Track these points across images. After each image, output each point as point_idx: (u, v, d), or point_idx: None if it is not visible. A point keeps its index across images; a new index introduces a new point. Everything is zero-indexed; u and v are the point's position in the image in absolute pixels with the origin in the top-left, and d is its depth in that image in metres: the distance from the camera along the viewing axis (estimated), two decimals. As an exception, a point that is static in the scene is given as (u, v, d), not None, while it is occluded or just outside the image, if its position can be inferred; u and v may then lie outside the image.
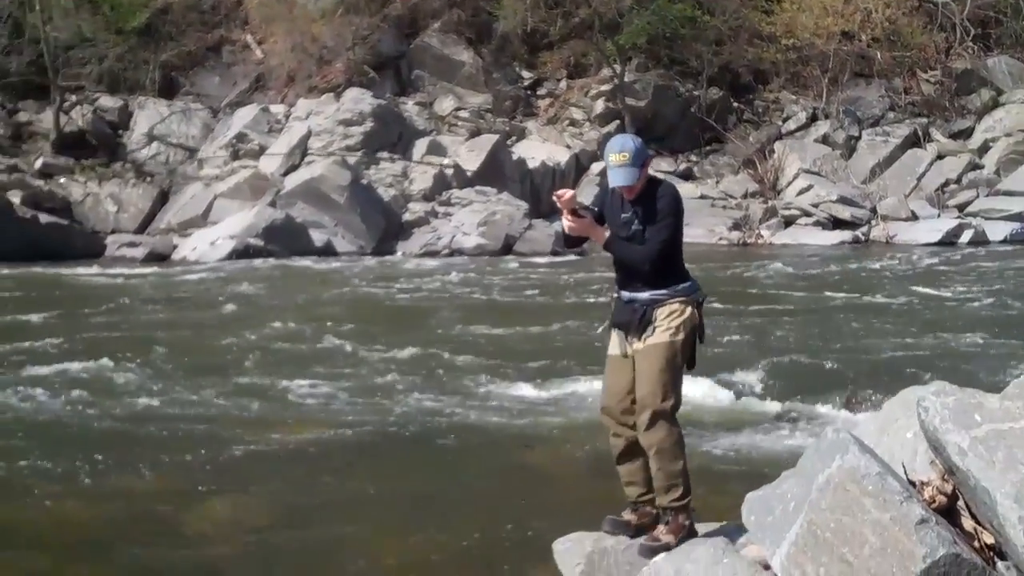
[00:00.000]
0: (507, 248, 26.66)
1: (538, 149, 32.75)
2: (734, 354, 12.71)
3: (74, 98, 31.89)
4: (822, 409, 10.43)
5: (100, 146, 30.96)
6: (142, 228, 28.48)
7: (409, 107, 33.38)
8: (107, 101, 32.32)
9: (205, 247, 25.94)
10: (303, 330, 15.26)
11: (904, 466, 4.43)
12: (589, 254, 21.67)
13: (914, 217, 30.86)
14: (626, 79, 34.49)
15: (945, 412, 4.20)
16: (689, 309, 5.46)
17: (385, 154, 30.13)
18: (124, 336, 14.86)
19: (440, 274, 22.48)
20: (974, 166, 33.27)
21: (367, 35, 34.39)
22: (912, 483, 4.24)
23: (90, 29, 33.39)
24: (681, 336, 5.40)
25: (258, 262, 24.36)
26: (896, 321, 15.67)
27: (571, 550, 5.64)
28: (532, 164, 31.55)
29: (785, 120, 36.07)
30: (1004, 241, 28.73)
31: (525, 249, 26.43)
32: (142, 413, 10.41)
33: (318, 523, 7.58)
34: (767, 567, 4.24)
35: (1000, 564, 3.99)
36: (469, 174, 29.82)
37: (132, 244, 26.99)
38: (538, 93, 36.18)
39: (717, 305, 16.11)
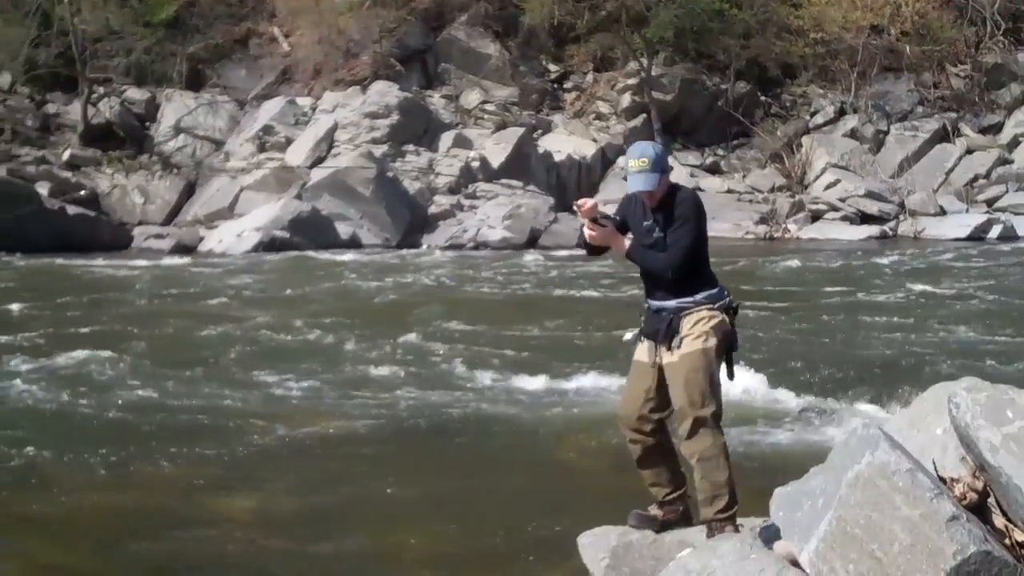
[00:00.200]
0: (532, 241, 26.66)
1: (564, 142, 32.72)
2: (761, 349, 12.65)
3: (102, 90, 32.10)
4: (850, 405, 10.35)
5: (127, 138, 31.15)
6: (169, 220, 28.63)
7: (435, 100, 33.43)
8: (134, 93, 32.51)
9: (231, 239, 26.04)
10: (322, 323, 15.25)
11: (934, 462, 4.38)
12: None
13: (942, 212, 30.67)
14: (653, 73, 34.40)
15: (976, 408, 4.15)
16: (717, 315, 5.38)
17: (411, 147, 30.19)
18: (141, 328, 14.89)
19: (464, 267, 22.48)
20: (1004, 161, 33.04)
21: (394, 28, 34.45)
22: (942, 480, 4.19)
23: (118, 21, 33.59)
24: (713, 342, 5.32)
25: (283, 254, 24.42)
26: (925, 316, 15.54)
27: (596, 544, 5.60)
28: (558, 157, 31.53)
29: (813, 114, 35.91)
30: (1033, 236, 28.50)
31: (550, 243, 26.42)
32: (156, 406, 10.40)
33: (336, 517, 7.56)
34: (795, 563, 4.19)
35: (1032, 562, 3.93)
36: (495, 167, 29.83)
37: (159, 236, 27.15)
38: (564, 86, 36.16)
39: (743, 300, 15.99)
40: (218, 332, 14.66)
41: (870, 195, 30.75)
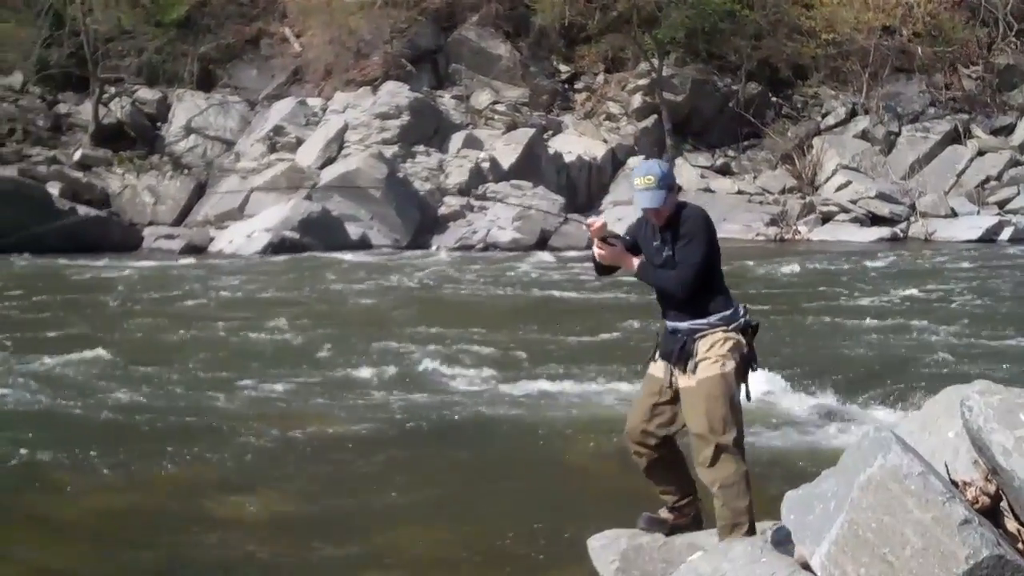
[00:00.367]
0: (542, 243, 26.65)
1: (575, 143, 32.71)
2: (772, 351, 12.61)
3: (113, 90, 32.17)
4: (861, 407, 10.32)
5: (138, 138, 31.23)
6: (179, 220, 28.67)
7: (446, 100, 33.44)
8: (146, 93, 32.58)
9: (241, 240, 26.07)
10: (329, 325, 15.28)
11: (946, 466, 4.36)
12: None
13: (953, 214, 30.61)
14: (664, 73, 34.37)
15: (989, 411, 4.12)
16: (733, 337, 5.32)
17: (421, 147, 30.21)
18: (147, 329, 14.96)
19: (473, 268, 22.47)
20: (1015, 163, 32.96)
21: (404, 28, 34.47)
22: (955, 483, 4.17)
23: (130, 22, 33.67)
24: (731, 366, 5.26)
25: (293, 255, 24.43)
26: (936, 319, 15.49)
27: (606, 547, 5.59)
28: (568, 158, 31.53)
29: (824, 115, 35.85)
30: (1045, 239, 28.42)
31: (560, 244, 26.41)
32: (159, 407, 10.37)
33: (345, 517, 7.55)
34: (806, 566, 4.17)
35: (1045, 567, 3.91)
36: (505, 168, 29.84)
37: (169, 236, 27.20)
38: (575, 87, 36.15)
39: (754, 303, 15.97)
40: (224, 334, 14.67)
41: (881, 197, 30.69)
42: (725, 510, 5.20)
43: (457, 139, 31.04)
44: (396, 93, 31.25)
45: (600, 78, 36.17)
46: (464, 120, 32.74)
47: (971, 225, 29.39)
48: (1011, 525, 4.11)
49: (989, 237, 28.42)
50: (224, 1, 35.55)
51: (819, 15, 35.86)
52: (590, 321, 15.38)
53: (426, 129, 30.91)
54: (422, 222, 27.77)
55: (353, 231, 26.71)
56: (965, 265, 23.17)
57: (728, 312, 5.36)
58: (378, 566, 6.76)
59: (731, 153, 34.85)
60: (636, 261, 5.49)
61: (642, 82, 34.84)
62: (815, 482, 4.51)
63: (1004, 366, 11.83)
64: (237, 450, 8.94)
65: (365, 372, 11.97)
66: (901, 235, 29.46)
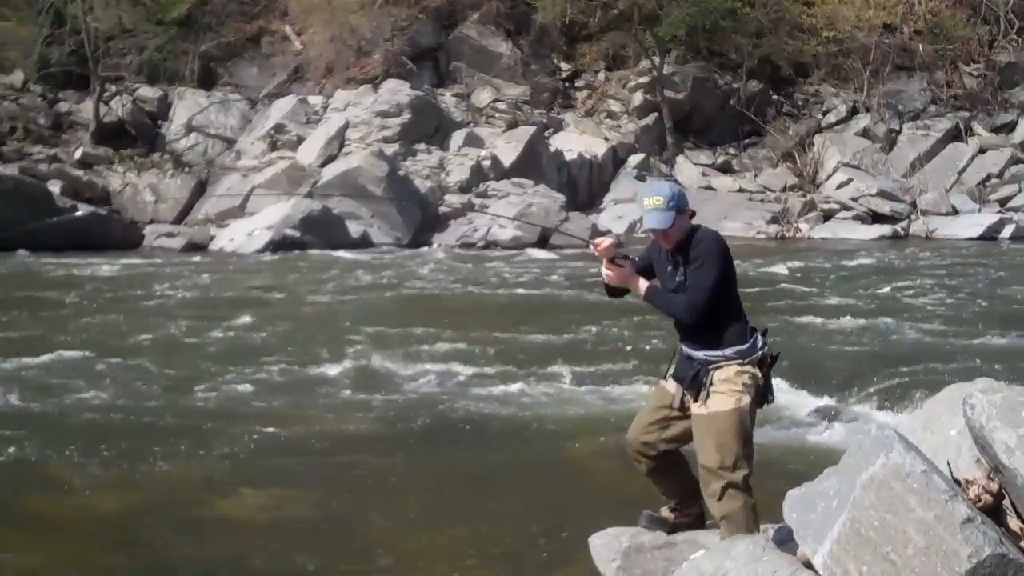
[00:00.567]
0: (543, 241, 26.61)
1: (575, 141, 32.68)
2: (773, 349, 12.59)
3: (114, 88, 32.13)
4: (863, 406, 10.32)
5: (139, 136, 31.20)
6: (180, 219, 28.63)
7: (447, 99, 33.43)
8: (146, 91, 32.54)
9: (242, 238, 26.04)
10: (330, 323, 15.29)
11: (949, 464, 4.35)
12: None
13: (954, 212, 30.61)
14: (665, 71, 34.36)
15: (992, 410, 4.11)
16: (748, 370, 5.20)
17: (422, 146, 30.19)
18: (146, 327, 14.88)
19: (474, 266, 22.45)
20: (1016, 160, 32.96)
21: (405, 26, 34.44)
22: (957, 482, 4.16)
23: (130, 20, 33.63)
24: (747, 400, 5.15)
25: (294, 253, 24.42)
26: (937, 316, 15.49)
27: (607, 545, 5.58)
28: (569, 156, 31.50)
29: (825, 113, 35.83)
30: (1046, 236, 28.42)
31: (561, 242, 26.36)
32: (160, 405, 10.37)
33: (346, 514, 7.56)
34: (809, 565, 4.16)
35: (1047, 565, 3.90)
36: (506, 166, 29.82)
37: (170, 235, 27.16)
38: (576, 85, 36.14)
39: (755, 302, 15.98)
40: (224, 332, 14.64)
41: (882, 194, 30.68)
42: (727, 535, 5.14)
43: (458, 137, 31.01)
44: (397, 91, 31.23)
45: (601, 76, 36.15)
46: (465, 118, 32.72)
47: (972, 223, 29.38)
48: (1014, 523, 4.10)
49: (990, 235, 28.42)
50: (225, -1, 35.57)
51: (820, 13, 35.86)
52: (591, 320, 15.35)
53: (427, 127, 30.89)
54: (423, 220, 27.74)
55: (354, 229, 26.68)
56: (966, 263, 23.15)
57: (744, 346, 5.23)
58: (378, 564, 6.76)
59: (732, 151, 34.83)
60: (644, 284, 5.39)
61: (643, 80, 34.82)
62: (817, 480, 4.50)
63: (1007, 364, 11.80)
64: (238, 448, 8.94)
65: (363, 371, 11.96)
66: (902, 233, 29.45)
